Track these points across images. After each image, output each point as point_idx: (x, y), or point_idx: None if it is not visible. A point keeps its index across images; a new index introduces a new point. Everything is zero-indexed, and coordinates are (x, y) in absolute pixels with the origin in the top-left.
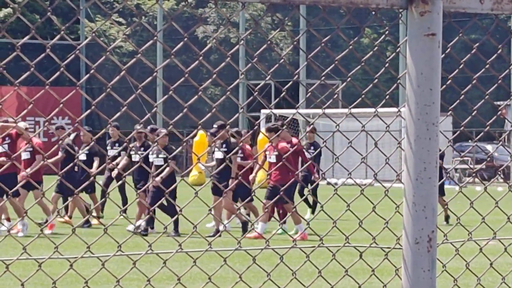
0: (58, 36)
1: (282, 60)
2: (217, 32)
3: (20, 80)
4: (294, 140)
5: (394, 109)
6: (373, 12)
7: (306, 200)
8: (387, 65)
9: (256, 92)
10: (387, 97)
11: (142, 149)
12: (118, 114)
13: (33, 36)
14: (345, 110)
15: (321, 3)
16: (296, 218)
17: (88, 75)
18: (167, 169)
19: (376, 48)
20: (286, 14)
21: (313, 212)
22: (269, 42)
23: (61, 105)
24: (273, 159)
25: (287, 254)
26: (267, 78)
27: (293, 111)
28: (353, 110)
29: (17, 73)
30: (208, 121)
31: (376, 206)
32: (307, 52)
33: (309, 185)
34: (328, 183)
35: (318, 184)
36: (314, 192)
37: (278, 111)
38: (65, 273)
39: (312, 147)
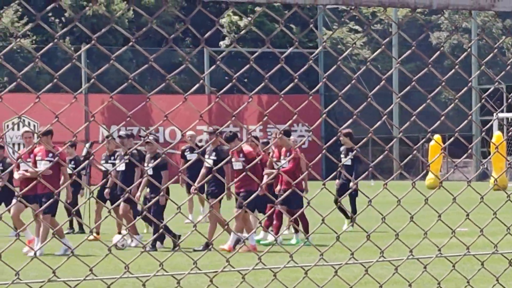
0: (293, 47)
1: None
2: (449, 38)
3: (254, 93)
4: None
5: None
6: None
7: (341, 210)
8: None
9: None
10: None
11: (112, 158)
12: (349, 121)
13: (269, 45)
14: None
15: None
16: (238, 226)
17: (321, 83)
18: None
19: None
20: None
21: (351, 221)
22: (498, 47)
23: (296, 115)
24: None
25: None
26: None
27: None
28: None
29: (256, 82)
30: (443, 125)
31: None
32: None
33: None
34: None
35: (356, 192)
36: (351, 201)
37: (510, 115)
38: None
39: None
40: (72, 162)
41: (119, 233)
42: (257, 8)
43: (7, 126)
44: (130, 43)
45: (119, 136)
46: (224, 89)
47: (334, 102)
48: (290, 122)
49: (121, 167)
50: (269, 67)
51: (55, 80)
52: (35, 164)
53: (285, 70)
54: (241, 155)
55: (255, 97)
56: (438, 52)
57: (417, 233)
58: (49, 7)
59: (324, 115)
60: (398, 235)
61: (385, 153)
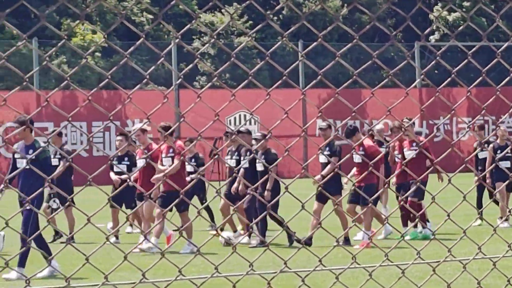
0: (510, 41)
1: None
2: None
3: (473, 86)
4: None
5: None
6: None
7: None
8: None
9: None
10: None
11: (236, 153)
12: None
13: (483, 39)
14: None
15: None
16: (366, 224)
17: None
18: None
19: None
20: None
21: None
22: None
23: None
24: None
25: None
26: None
27: None
28: None
29: (468, 75)
30: None
31: None
32: None
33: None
34: None
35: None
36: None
37: None
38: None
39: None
40: (193, 160)
41: (242, 230)
42: (465, 3)
43: (230, 121)
44: (355, 41)
45: (238, 131)
46: (444, 84)
47: None
48: (506, 115)
49: (232, 163)
50: (479, 60)
51: (285, 78)
52: (161, 162)
53: (489, 63)
54: (361, 148)
55: (463, 90)
56: None
57: None
58: (278, 7)
59: None
60: None
61: None
